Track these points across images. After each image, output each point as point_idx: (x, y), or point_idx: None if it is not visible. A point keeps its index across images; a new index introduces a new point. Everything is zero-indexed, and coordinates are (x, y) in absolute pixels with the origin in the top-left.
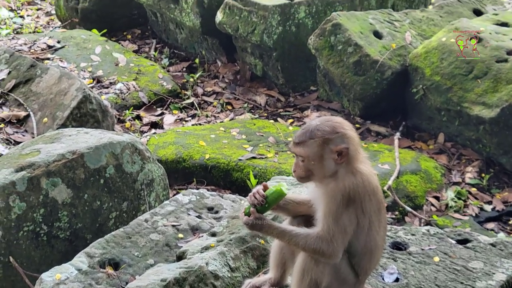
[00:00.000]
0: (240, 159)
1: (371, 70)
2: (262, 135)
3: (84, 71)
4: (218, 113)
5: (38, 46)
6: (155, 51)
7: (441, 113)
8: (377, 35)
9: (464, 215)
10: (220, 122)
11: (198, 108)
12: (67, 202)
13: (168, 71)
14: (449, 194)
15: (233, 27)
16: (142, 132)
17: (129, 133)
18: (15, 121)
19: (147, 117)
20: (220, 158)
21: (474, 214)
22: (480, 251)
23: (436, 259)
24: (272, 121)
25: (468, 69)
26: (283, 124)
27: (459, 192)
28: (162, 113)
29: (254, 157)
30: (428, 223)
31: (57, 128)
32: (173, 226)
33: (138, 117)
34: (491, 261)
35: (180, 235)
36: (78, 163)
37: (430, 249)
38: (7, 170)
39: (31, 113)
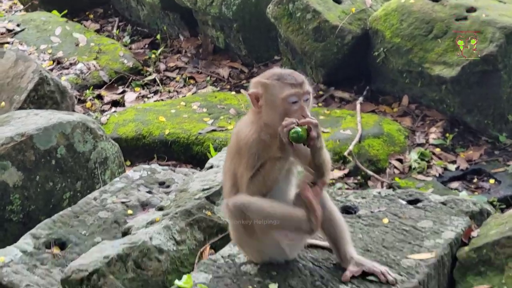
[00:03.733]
0: (200, 133)
1: (331, 36)
2: (223, 108)
3: (44, 53)
4: (181, 88)
5: None
6: (117, 29)
7: (403, 75)
8: (336, 0)
9: (428, 176)
10: (183, 96)
11: (160, 84)
12: (18, 185)
13: (130, 48)
14: (412, 156)
15: (191, 0)
16: (103, 111)
17: (90, 113)
18: None
19: (108, 96)
20: (180, 132)
21: (437, 175)
22: (430, 210)
23: (386, 220)
24: (234, 93)
25: (427, 29)
26: (245, 95)
27: (422, 153)
28: (124, 91)
29: (214, 130)
30: (390, 186)
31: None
32: (123, 203)
33: (99, 97)
34: (440, 220)
35: (130, 212)
36: (28, 145)
37: (380, 211)
38: None
39: None
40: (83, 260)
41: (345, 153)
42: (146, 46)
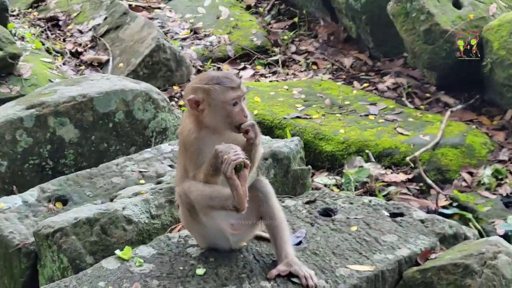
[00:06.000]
0: (285, 118)
1: (440, 40)
2: (322, 96)
3: (186, 22)
4: (300, 72)
5: None
6: (268, 7)
7: (506, 88)
8: (457, 4)
9: (494, 194)
10: (297, 80)
11: (281, 66)
12: (73, 141)
13: (270, 27)
14: (486, 172)
15: None
16: None
17: None
18: (96, 64)
19: (228, 70)
20: (267, 114)
21: (504, 194)
22: (405, 225)
23: (354, 228)
24: (340, 83)
25: None
26: (352, 87)
27: (497, 170)
28: (245, 67)
29: (299, 117)
30: (451, 198)
31: (128, 74)
32: (140, 172)
33: (218, 69)
34: (407, 236)
35: (142, 181)
36: (87, 106)
37: (356, 218)
38: (19, 106)
39: (111, 58)
40: (57, 218)
41: (408, 158)
42: (287, 27)
